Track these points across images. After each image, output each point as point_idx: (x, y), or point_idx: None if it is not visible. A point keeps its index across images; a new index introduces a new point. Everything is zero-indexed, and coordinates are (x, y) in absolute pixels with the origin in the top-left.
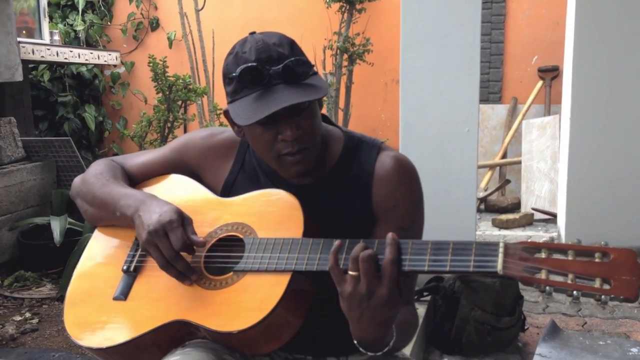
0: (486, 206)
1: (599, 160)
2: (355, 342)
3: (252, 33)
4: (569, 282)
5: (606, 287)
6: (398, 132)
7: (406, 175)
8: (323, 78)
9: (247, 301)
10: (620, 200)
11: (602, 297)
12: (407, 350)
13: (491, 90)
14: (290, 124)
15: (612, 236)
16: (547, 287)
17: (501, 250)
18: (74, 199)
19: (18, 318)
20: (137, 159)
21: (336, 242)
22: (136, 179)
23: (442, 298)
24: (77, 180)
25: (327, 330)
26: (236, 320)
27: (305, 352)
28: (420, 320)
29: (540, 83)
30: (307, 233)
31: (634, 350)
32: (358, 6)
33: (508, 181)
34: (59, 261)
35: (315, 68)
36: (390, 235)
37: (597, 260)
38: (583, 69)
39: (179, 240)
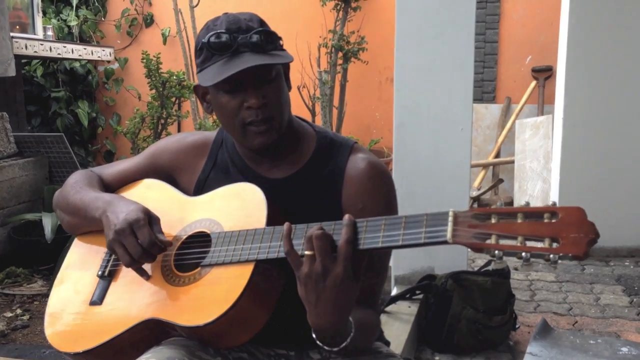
0: (479, 205)
1: (591, 160)
2: (314, 335)
3: (226, 13)
4: (518, 244)
5: (555, 245)
6: (392, 130)
7: (376, 178)
8: (288, 52)
9: (214, 294)
10: (613, 199)
11: (551, 256)
12: (398, 349)
13: (485, 89)
14: (256, 91)
15: (604, 235)
16: (497, 252)
17: (450, 219)
18: (55, 210)
19: (9, 314)
20: (114, 167)
21: (285, 226)
22: (112, 187)
23: (434, 296)
24: (58, 191)
25: (308, 324)
26: (203, 313)
27: (287, 347)
28: (412, 318)
29: (533, 83)
30: (270, 222)
31: (624, 349)
32: (353, 4)
33: (501, 180)
34: (50, 257)
35: (281, 42)
36: (347, 216)
37: (545, 220)
38: (576, 70)
39: (146, 238)
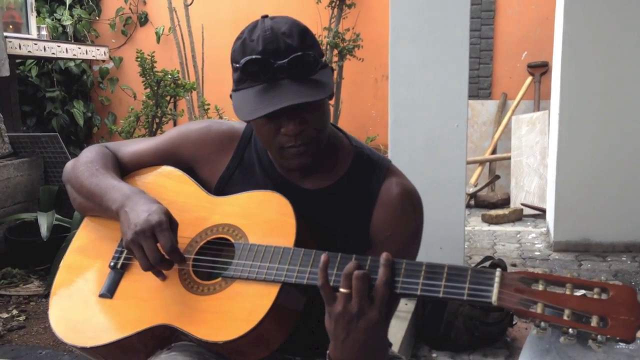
0: (476, 202)
1: (588, 156)
2: None
3: (265, 17)
4: (565, 318)
5: (603, 325)
6: (388, 127)
7: (409, 207)
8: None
9: (235, 310)
10: (608, 195)
11: (599, 337)
12: (396, 346)
13: (481, 86)
14: (294, 118)
15: (601, 231)
16: (543, 323)
17: (497, 280)
18: (65, 183)
19: (5, 315)
20: (131, 147)
21: (323, 258)
22: (128, 168)
23: None
24: (69, 165)
25: (318, 332)
26: (223, 330)
27: (295, 353)
28: (410, 315)
29: (529, 79)
30: (299, 240)
31: (621, 343)
32: (348, 1)
33: (497, 177)
34: (46, 258)
35: (324, 58)
36: (384, 255)
37: (595, 296)
38: (572, 65)
39: (168, 243)
